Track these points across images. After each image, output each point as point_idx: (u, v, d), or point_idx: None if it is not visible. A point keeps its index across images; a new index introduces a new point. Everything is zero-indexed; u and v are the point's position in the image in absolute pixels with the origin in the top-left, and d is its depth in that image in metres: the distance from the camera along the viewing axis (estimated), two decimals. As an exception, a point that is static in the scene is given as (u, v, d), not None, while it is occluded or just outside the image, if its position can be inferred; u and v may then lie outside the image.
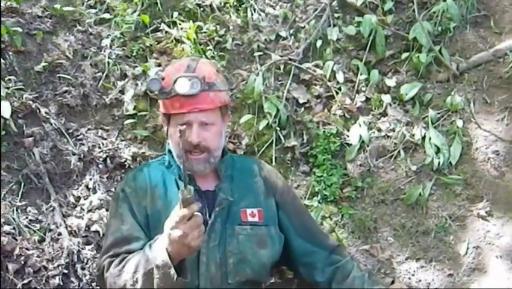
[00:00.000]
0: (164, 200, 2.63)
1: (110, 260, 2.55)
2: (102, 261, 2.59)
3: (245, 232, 2.63)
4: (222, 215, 2.62)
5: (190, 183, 2.35)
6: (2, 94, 3.49)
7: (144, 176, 2.74)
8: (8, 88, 3.58)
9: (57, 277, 3.31)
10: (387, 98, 3.81)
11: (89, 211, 3.47)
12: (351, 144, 3.73)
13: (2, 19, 3.74)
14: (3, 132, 3.50)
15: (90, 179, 3.61)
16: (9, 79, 3.64)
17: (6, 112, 3.45)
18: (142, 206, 2.63)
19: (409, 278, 3.44)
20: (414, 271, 3.45)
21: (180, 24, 4.02)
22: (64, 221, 3.48)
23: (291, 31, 4.09)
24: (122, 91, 3.81)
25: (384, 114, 3.81)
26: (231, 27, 4.08)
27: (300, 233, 2.80)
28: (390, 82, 3.84)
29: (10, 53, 3.77)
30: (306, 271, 2.80)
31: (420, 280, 3.42)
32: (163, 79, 2.56)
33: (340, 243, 3.17)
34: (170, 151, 2.76)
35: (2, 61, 3.69)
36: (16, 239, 3.31)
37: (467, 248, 3.44)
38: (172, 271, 2.25)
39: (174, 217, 2.24)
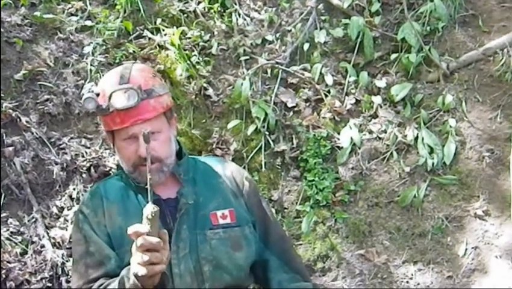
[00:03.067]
0: (123, 216, 2.45)
1: (87, 286, 2.39)
2: (80, 287, 2.43)
3: (217, 236, 2.45)
4: (188, 221, 2.44)
5: (155, 199, 2.16)
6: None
7: (100, 194, 2.56)
8: (-14, 96, 3.48)
9: (40, 291, 3.20)
10: (377, 99, 3.75)
11: (73, 221, 3.32)
12: (342, 147, 3.65)
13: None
14: (-19, 142, 3.40)
15: (74, 189, 3.49)
16: (-12, 88, 3.53)
17: (-15, 121, 3.34)
18: (102, 225, 2.46)
19: (407, 282, 3.36)
20: (412, 274, 3.37)
21: (163, 30, 3.93)
22: (47, 233, 3.36)
23: (278, 35, 4.02)
24: (105, 99, 3.69)
25: (375, 115, 3.75)
26: (216, 33, 4.00)
27: (262, 239, 2.65)
28: (380, 83, 3.78)
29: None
30: (261, 274, 2.64)
31: (418, 284, 3.34)
32: (98, 95, 2.39)
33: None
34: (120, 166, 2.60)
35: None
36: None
37: (466, 249, 3.38)
38: None
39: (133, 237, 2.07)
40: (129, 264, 2.20)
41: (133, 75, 2.40)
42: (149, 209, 2.01)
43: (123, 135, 2.41)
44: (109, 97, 2.34)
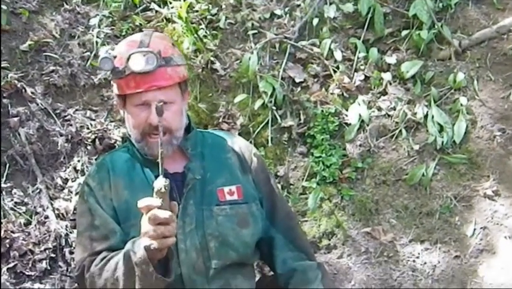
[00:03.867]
0: (129, 190, 2.41)
1: (91, 258, 2.36)
2: (82, 261, 2.39)
3: (224, 213, 2.41)
4: (195, 197, 2.39)
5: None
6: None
7: (107, 166, 2.51)
8: (-9, 66, 3.45)
9: (44, 261, 3.19)
10: (387, 76, 3.68)
11: (77, 193, 3.30)
12: (350, 124, 3.60)
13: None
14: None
15: (78, 161, 3.47)
16: (-7, 58, 3.50)
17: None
18: (108, 199, 2.42)
19: (414, 261, 3.32)
20: (419, 253, 3.33)
21: (171, 3, 3.88)
22: (51, 204, 3.35)
23: (286, 9, 3.95)
24: (111, 71, 3.65)
25: (384, 92, 3.68)
26: (224, 6, 3.94)
27: (268, 216, 2.60)
28: (390, 59, 3.71)
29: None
30: (266, 251, 2.60)
31: (425, 263, 3.30)
32: (115, 57, 2.33)
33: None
34: (129, 137, 2.52)
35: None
36: (1, 222, 3.17)
37: (474, 229, 3.33)
38: (151, 268, 2.06)
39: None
40: (133, 238, 2.20)
41: (153, 41, 2.34)
42: (161, 182, 1.98)
43: (135, 100, 2.34)
44: (128, 59, 2.28)
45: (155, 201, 1.98)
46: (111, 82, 2.49)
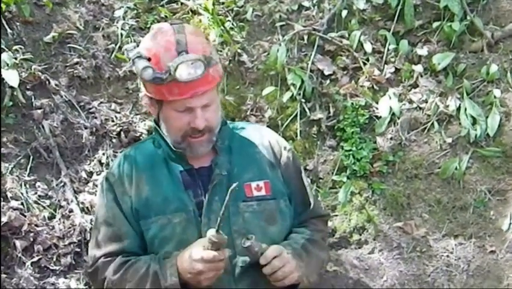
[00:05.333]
0: (151, 185, 2.38)
1: (105, 260, 2.36)
2: (96, 259, 2.39)
3: (251, 209, 2.36)
4: (221, 193, 2.31)
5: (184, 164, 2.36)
6: (9, 63, 3.31)
7: (131, 160, 2.47)
8: (15, 58, 3.41)
9: (69, 256, 3.16)
10: (418, 68, 3.59)
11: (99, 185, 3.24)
12: (381, 117, 3.52)
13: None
14: (10, 103, 3.34)
15: (103, 154, 3.43)
16: (17, 49, 3.47)
17: (14, 81, 3.30)
18: (127, 196, 2.40)
19: (448, 256, 3.23)
20: (453, 248, 3.24)
21: (197, -5, 3.83)
22: (76, 198, 3.31)
23: (315, 1, 3.88)
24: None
25: (415, 85, 3.60)
26: (251, -2, 3.89)
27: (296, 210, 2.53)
28: (421, 51, 3.63)
29: (18, 23, 3.61)
30: None
31: (459, 258, 3.21)
32: (149, 59, 2.22)
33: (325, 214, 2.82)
34: (157, 130, 2.46)
35: (9, 31, 3.52)
36: (24, 215, 3.15)
37: (510, 223, 3.22)
38: None
39: (199, 251, 2.16)
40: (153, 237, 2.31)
41: (190, 41, 2.25)
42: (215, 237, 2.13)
43: (178, 106, 2.27)
44: (175, 69, 2.17)
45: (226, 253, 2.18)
46: (142, 82, 2.36)
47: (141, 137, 3.44)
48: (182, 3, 3.86)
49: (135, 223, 2.37)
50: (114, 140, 3.45)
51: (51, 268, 3.11)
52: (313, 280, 2.38)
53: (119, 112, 3.54)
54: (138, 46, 2.31)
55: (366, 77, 3.61)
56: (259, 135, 2.56)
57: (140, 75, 2.23)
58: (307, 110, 3.56)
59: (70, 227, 3.18)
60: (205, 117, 2.27)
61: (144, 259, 2.31)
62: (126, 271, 2.29)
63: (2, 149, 3.23)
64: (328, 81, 3.66)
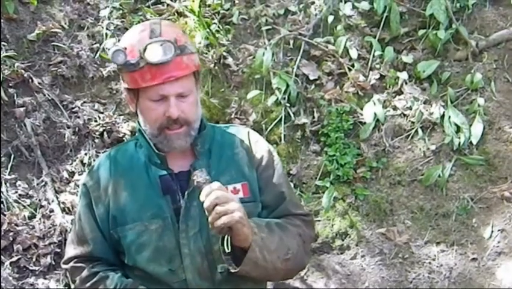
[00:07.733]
0: (129, 191, 2.30)
1: (74, 265, 2.33)
2: (68, 258, 2.36)
3: None
4: (198, 198, 2.14)
5: (164, 168, 2.30)
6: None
7: (109, 164, 2.39)
8: (-3, 55, 3.36)
9: (48, 256, 3.11)
10: (403, 75, 3.61)
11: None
12: (365, 123, 3.53)
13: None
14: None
15: (85, 154, 3.39)
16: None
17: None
18: (102, 201, 2.32)
19: (430, 262, 3.24)
20: (435, 255, 3.26)
21: (183, -4, 3.81)
22: (57, 198, 3.26)
23: (301, 6, 3.89)
24: (120, 64, 3.57)
25: (400, 92, 3.62)
26: (237, 2, 3.87)
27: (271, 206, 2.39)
28: (407, 59, 3.65)
29: (1, 20, 3.54)
30: None
31: (441, 265, 3.23)
32: (125, 49, 2.17)
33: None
34: (140, 131, 2.36)
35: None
36: (4, 215, 3.10)
37: (492, 231, 3.26)
38: None
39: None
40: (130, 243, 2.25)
41: (164, 30, 2.19)
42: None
43: (151, 94, 2.19)
44: (144, 50, 2.12)
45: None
46: (120, 75, 2.34)
47: (124, 138, 3.40)
48: (168, 5, 3.82)
49: (107, 229, 2.30)
50: (96, 140, 3.41)
51: (30, 268, 3.07)
52: (271, 259, 2.19)
53: (102, 113, 3.49)
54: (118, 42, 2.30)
55: (351, 83, 3.62)
56: (240, 137, 2.48)
57: (113, 61, 2.20)
58: (292, 114, 3.55)
59: (50, 227, 3.14)
60: (181, 108, 2.19)
61: (111, 281, 2.28)
62: (96, 283, 2.26)
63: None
64: (313, 86, 3.66)
